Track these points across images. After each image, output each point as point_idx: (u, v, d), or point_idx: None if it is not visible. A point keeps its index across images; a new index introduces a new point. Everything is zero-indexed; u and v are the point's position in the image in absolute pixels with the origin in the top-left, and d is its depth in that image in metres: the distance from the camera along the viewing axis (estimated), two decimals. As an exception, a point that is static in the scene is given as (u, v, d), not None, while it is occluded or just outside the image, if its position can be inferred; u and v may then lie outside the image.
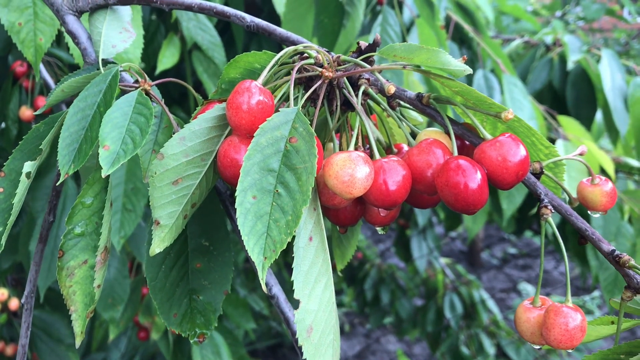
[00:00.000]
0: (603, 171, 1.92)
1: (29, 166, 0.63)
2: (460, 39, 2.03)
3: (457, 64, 0.56)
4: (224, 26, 1.89)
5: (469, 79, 1.90)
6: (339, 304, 4.53)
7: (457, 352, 3.17)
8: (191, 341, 0.66)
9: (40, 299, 1.43)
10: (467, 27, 1.95)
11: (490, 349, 3.16)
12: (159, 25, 1.77)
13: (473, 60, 2.02)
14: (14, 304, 1.54)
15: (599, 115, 2.27)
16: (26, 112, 1.53)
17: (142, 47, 1.10)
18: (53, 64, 1.57)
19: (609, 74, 1.97)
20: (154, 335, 1.77)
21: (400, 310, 3.33)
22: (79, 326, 0.65)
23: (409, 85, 1.47)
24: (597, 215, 0.64)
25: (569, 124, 1.95)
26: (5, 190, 0.65)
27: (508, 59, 1.99)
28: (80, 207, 0.66)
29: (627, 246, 1.76)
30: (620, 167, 2.17)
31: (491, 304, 3.30)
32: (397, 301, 3.34)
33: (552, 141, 1.96)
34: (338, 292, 4.50)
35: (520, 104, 1.79)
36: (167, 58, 1.63)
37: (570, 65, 2.03)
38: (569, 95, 2.13)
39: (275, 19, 1.71)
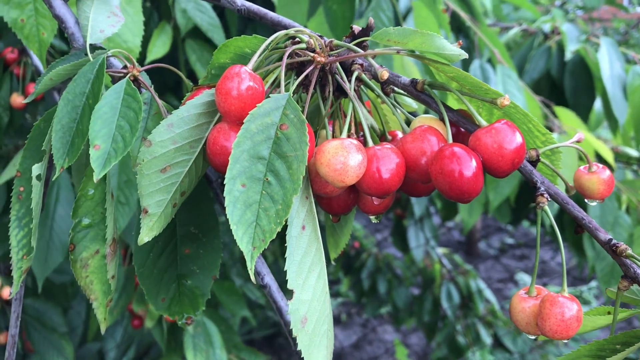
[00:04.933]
0: (602, 160, 1.90)
1: (37, 169, 0.64)
2: (457, 28, 2.01)
3: (453, 48, 0.55)
4: (218, 13, 1.87)
5: (465, 69, 1.88)
6: (336, 294, 4.53)
7: (453, 342, 3.17)
8: (179, 323, 0.66)
9: (38, 290, 1.42)
10: (464, 16, 1.93)
11: (487, 339, 3.16)
12: (152, 12, 1.74)
13: (470, 50, 2.00)
14: (6, 292, 1.53)
15: (598, 104, 2.25)
16: (17, 100, 1.51)
17: (142, 35, 1.08)
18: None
19: (608, 63, 1.95)
20: (147, 324, 1.75)
21: (397, 299, 3.33)
22: (101, 313, 0.66)
23: (403, 70, 1.45)
24: (594, 203, 0.63)
25: (565, 116, 1.93)
26: (26, 189, 0.67)
27: (505, 48, 1.97)
28: (84, 200, 0.67)
29: (624, 236, 1.75)
30: (619, 157, 2.16)
31: (488, 293, 3.29)
32: (393, 291, 3.34)
33: (549, 132, 1.94)
34: (335, 282, 4.50)
35: (513, 97, 1.76)
36: (158, 47, 1.58)
37: (568, 55, 2.01)
38: (567, 84, 2.11)
39: (270, 4, 1.69)
